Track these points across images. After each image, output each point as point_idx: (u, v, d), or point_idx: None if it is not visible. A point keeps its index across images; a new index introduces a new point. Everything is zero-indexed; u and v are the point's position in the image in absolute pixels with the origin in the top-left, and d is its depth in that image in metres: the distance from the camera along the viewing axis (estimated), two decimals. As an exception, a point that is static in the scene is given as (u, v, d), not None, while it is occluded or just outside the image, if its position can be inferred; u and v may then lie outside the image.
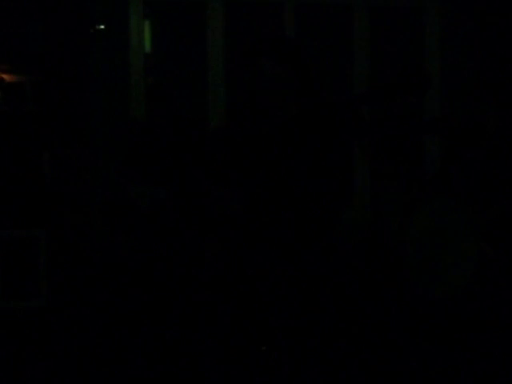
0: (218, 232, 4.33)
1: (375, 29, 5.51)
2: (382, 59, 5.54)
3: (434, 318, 3.59)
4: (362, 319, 3.74)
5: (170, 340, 4.30)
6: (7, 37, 5.01)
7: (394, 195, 4.85)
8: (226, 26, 5.39)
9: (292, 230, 2.75)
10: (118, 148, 4.99)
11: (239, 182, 2.89)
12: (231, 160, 3.03)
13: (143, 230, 4.38)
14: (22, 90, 5.08)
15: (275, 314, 2.78)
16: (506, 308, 3.47)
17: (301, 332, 2.74)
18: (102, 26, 5.15)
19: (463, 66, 5.40)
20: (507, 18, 5.30)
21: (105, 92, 5.19)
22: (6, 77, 5.05)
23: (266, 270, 2.83)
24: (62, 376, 4.09)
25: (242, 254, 3.14)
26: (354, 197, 5.41)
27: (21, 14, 5.02)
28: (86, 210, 5.04)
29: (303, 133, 2.73)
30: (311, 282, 2.78)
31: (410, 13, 5.58)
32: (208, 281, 4.61)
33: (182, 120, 4.67)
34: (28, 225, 5.00)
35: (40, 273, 4.97)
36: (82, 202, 5.04)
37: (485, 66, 5.37)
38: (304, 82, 2.75)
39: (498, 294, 3.47)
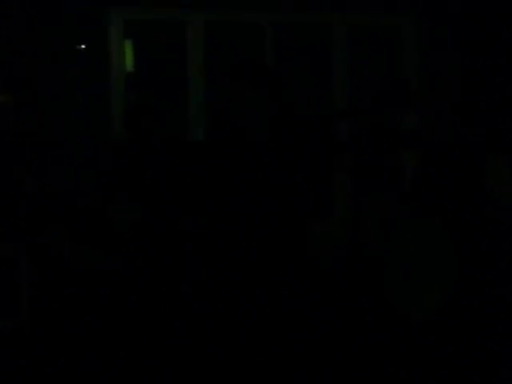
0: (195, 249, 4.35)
1: (354, 47, 5.57)
2: (361, 77, 5.59)
3: (414, 336, 3.60)
4: (340, 337, 3.74)
5: (152, 356, 4.30)
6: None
7: (375, 210, 4.88)
8: (206, 46, 5.43)
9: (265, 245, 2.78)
10: (98, 166, 5.01)
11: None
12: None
13: (120, 247, 4.39)
14: (5, 110, 5.11)
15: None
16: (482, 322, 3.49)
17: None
18: (83, 46, 5.19)
19: (441, 84, 5.45)
20: (486, 35, 5.36)
21: (86, 111, 5.22)
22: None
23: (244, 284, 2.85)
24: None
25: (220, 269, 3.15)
26: (334, 211, 5.44)
27: (1, 33, 5.06)
28: (65, 227, 5.05)
29: (277, 151, 2.78)
30: (287, 294, 2.79)
31: (388, 31, 5.64)
32: (187, 297, 4.61)
33: (162, 139, 4.69)
34: (8, 242, 5.01)
35: (20, 292, 4.97)
36: (62, 220, 5.05)
37: (464, 83, 5.43)
38: (278, 107, 2.81)
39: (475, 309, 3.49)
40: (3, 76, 5.08)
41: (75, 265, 4.63)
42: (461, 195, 3.52)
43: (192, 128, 5.43)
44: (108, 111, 5.26)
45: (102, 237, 4.42)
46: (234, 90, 2.74)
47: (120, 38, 5.32)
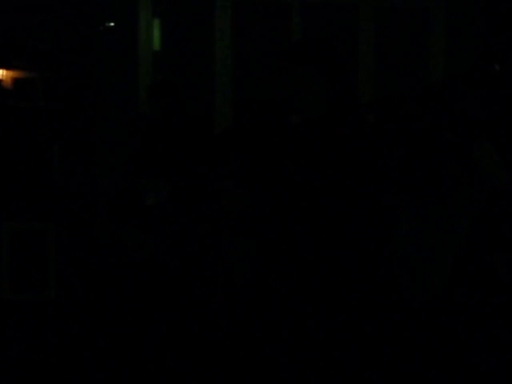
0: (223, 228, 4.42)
1: (380, 29, 5.58)
2: (387, 59, 5.61)
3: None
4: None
5: (176, 336, 4.37)
6: (19, 34, 5.10)
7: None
8: (233, 25, 5.46)
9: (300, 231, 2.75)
10: (126, 142, 5.07)
11: (246, 180, 2.92)
12: (238, 159, 3.06)
13: (149, 223, 4.46)
14: (33, 86, 5.17)
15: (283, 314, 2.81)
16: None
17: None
18: (112, 24, 5.23)
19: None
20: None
21: (113, 88, 5.27)
22: (17, 73, 5.14)
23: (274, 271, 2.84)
24: (68, 368, 4.18)
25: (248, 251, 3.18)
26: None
27: (32, 11, 5.11)
28: (93, 203, 5.13)
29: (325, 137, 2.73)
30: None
31: (416, 13, 5.64)
32: (212, 276, 4.68)
33: (189, 116, 4.75)
34: (37, 218, 5.10)
35: (49, 265, 5.07)
36: (90, 195, 5.13)
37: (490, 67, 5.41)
38: (334, 86, 2.75)
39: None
40: (33, 53, 5.15)
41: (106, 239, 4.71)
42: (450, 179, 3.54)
43: (217, 106, 5.48)
44: (136, 89, 5.32)
45: (132, 211, 4.49)
46: (288, 70, 2.66)
47: (148, 16, 5.36)
